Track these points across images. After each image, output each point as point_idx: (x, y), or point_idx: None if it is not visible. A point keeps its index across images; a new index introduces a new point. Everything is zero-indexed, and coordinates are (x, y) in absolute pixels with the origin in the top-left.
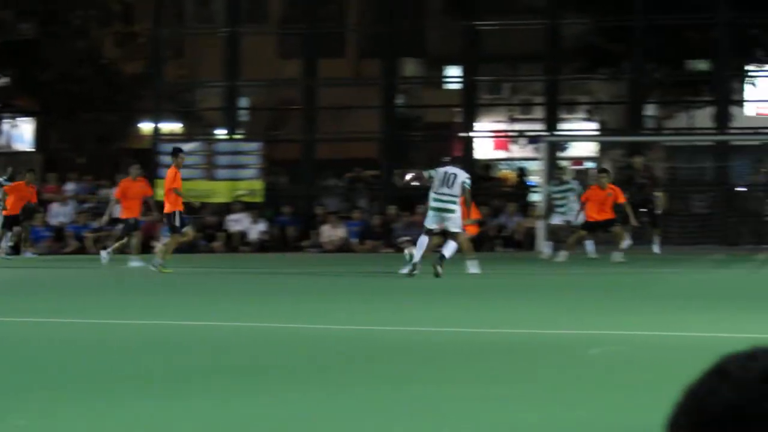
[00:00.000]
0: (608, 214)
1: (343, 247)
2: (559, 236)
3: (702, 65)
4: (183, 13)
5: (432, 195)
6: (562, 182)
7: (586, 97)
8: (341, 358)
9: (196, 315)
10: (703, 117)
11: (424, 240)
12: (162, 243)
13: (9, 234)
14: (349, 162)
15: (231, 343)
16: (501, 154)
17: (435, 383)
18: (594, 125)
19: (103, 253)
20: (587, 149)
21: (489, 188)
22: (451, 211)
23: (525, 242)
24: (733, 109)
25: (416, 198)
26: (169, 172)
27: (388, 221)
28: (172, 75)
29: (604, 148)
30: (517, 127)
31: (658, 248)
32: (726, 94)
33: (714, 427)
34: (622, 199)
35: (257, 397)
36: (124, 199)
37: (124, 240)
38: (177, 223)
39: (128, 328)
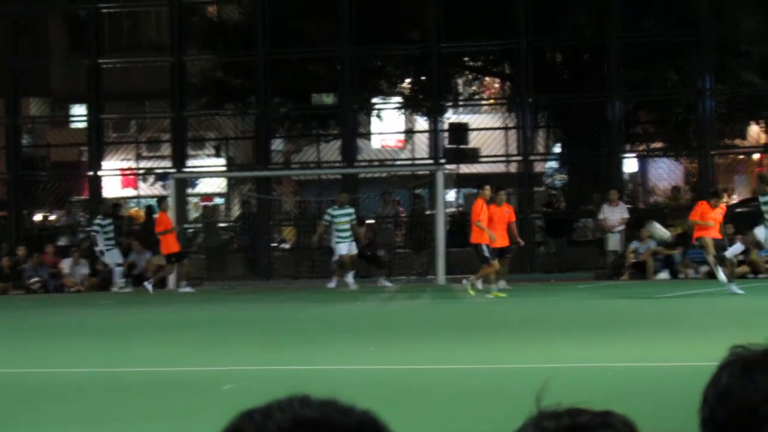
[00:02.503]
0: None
1: None
2: None
3: (328, 99)
4: None
5: None
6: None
7: (213, 133)
8: None
9: None
10: (331, 150)
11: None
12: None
13: None
14: None
15: None
16: (130, 192)
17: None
18: (222, 161)
19: None
20: (216, 185)
21: (119, 227)
22: None
23: (158, 280)
24: (360, 142)
25: (46, 238)
26: (476, 205)
27: (17, 262)
28: None
29: (233, 183)
30: (145, 164)
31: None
32: (352, 127)
33: None
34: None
35: None
36: None
37: None
38: (486, 253)
39: None
